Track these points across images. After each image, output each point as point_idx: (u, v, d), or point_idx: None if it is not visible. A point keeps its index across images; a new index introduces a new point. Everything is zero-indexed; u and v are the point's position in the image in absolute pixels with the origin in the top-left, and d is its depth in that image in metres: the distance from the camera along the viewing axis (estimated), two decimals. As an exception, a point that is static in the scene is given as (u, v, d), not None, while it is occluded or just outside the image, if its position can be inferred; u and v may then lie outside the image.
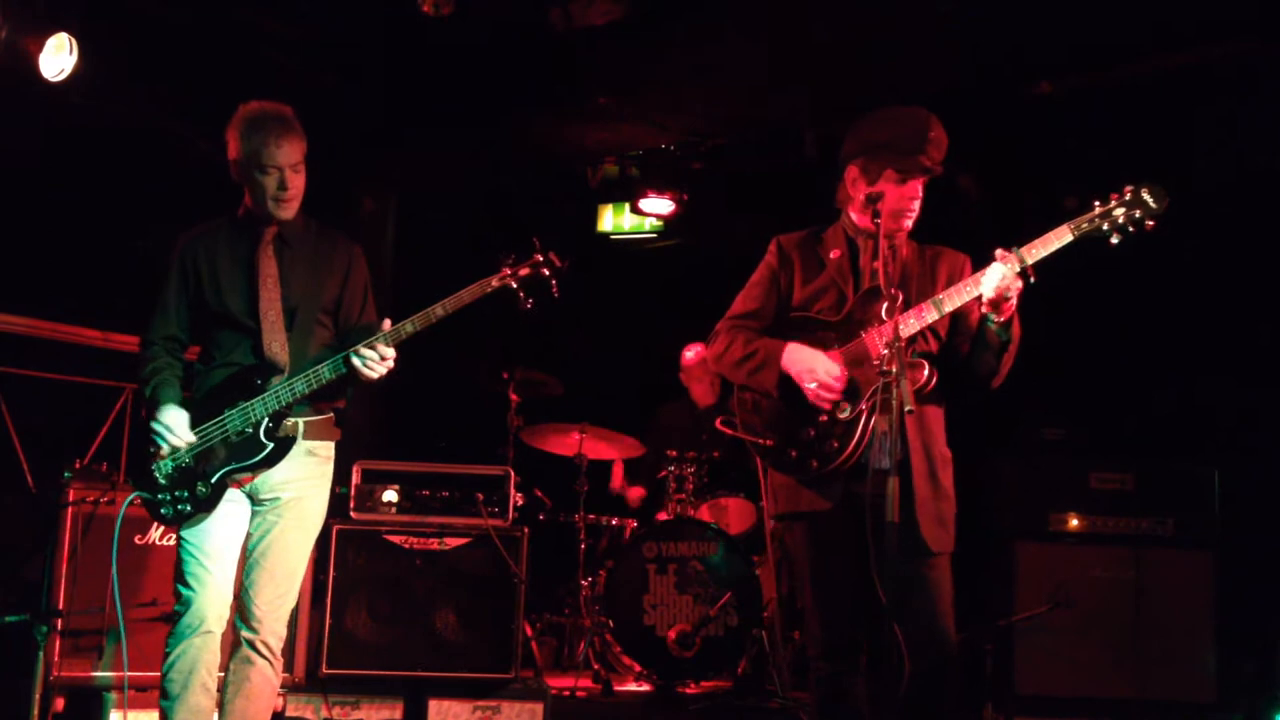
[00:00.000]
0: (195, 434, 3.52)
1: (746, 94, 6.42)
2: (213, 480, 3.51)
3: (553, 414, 6.40)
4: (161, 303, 3.67)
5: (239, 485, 3.57)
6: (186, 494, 3.51)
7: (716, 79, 6.21)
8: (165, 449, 3.49)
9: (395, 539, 4.94)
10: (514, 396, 6.21)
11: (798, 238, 3.64)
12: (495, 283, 3.58)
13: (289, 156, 3.55)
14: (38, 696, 4.35)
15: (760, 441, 3.55)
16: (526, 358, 6.36)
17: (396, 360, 3.54)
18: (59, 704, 4.41)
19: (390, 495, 5.02)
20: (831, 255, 3.55)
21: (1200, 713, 4.92)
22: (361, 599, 4.85)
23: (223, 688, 3.62)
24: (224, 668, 3.63)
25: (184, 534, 3.55)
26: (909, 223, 3.46)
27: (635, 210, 7.41)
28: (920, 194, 3.42)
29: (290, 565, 3.66)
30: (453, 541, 4.98)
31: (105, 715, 4.42)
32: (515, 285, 3.59)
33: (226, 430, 3.52)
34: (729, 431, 3.66)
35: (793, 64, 5.97)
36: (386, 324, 3.51)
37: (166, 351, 3.65)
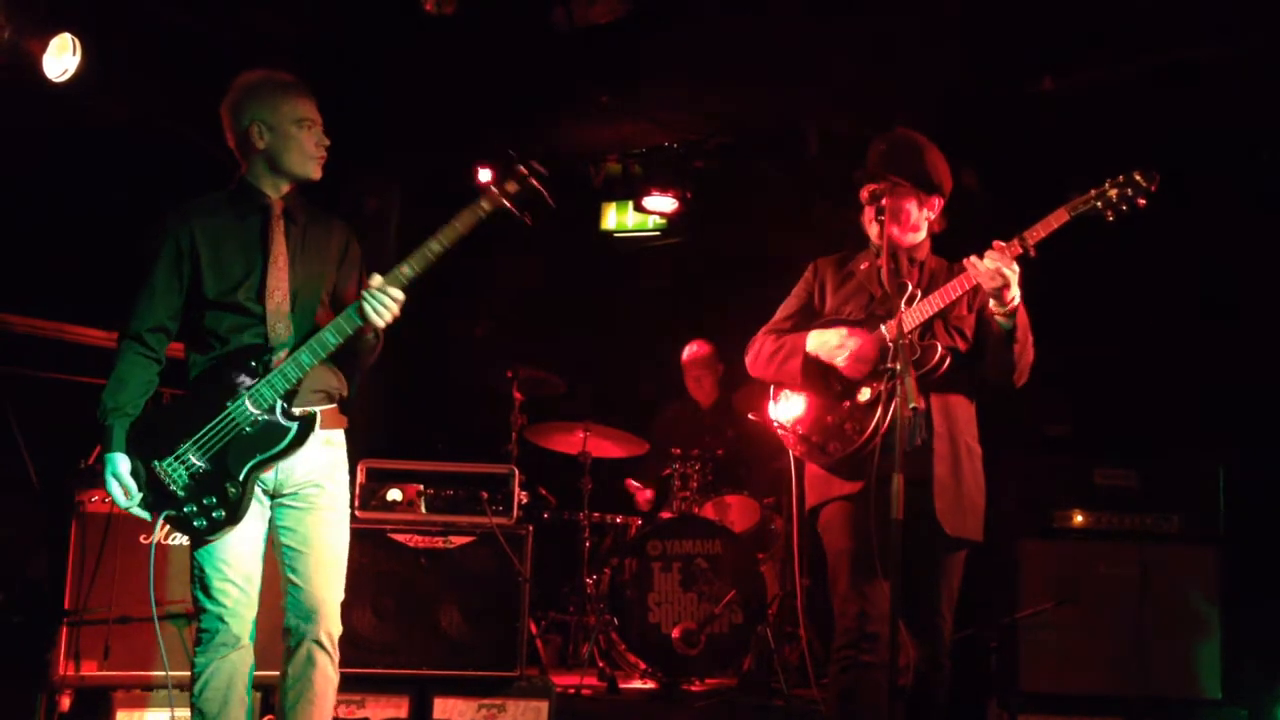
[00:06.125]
0: (200, 435, 3.29)
1: (749, 93, 6.42)
2: (241, 478, 3.29)
3: (557, 412, 6.41)
4: (148, 290, 3.38)
5: (266, 471, 3.37)
6: (215, 499, 3.28)
7: (719, 78, 6.21)
8: (176, 481, 3.30)
9: (400, 537, 4.95)
10: (518, 395, 6.21)
11: (831, 259, 3.94)
12: (486, 205, 3.38)
13: (317, 113, 3.50)
14: (43, 696, 4.36)
15: (790, 432, 3.78)
16: (530, 356, 6.36)
17: (401, 310, 3.34)
18: (64, 704, 4.42)
19: (395, 494, 5.03)
20: (861, 267, 3.83)
21: (1205, 709, 4.91)
22: (366, 597, 4.86)
23: (282, 693, 3.45)
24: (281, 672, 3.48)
25: (199, 548, 3.37)
26: (874, 237, 3.71)
27: (638, 208, 7.41)
28: (874, 210, 3.65)
29: (337, 552, 3.53)
30: (457, 540, 4.99)
31: (111, 715, 4.42)
32: (508, 203, 3.38)
33: (238, 422, 3.30)
34: (759, 420, 3.80)
35: (795, 62, 5.96)
36: (376, 278, 3.31)
37: (147, 350, 3.40)
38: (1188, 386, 5.89)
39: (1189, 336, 5.92)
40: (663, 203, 7.25)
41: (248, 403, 3.31)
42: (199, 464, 3.31)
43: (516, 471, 5.20)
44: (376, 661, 4.84)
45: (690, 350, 7.02)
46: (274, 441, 3.32)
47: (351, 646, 4.79)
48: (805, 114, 6.54)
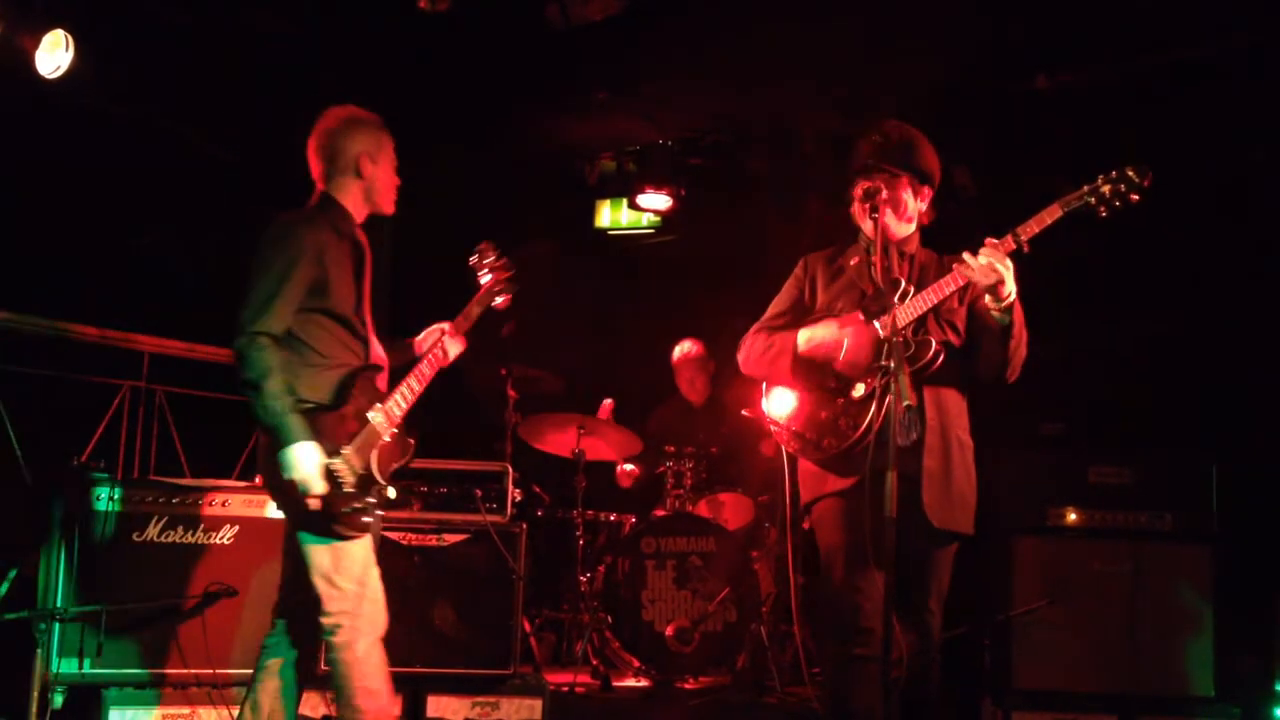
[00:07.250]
0: (354, 441, 3.50)
1: (744, 90, 6.41)
2: (385, 480, 3.59)
3: (551, 410, 6.40)
4: (287, 291, 3.45)
5: None
6: (375, 500, 3.54)
7: (714, 75, 6.21)
8: (349, 479, 3.47)
9: (393, 535, 4.94)
10: (512, 393, 6.20)
11: (821, 254, 3.94)
12: (496, 298, 4.08)
13: None
14: (36, 694, 4.35)
15: (783, 428, 3.78)
16: (524, 354, 6.35)
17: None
18: (58, 701, 4.41)
19: (388, 492, 5.02)
20: (851, 263, 3.82)
21: (1197, 706, 4.93)
22: (360, 595, 4.85)
23: (260, 679, 3.63)
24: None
25: (349, 540, 3.51)
26: (868, 232, 3.71)
27: (633, 206, 7.40)
28: (869, 204, 3.66)
29: None
30: (451, 538, 4.99)
31: (104, 713, 4.42)
32: (500, 297, 4.09)
33: (379, 434, 3.59)
34: (752, 415, 3.81)
35: (791, 60, 5.96)
36: (448, 325, 3.85)
37: (278, 350, 3.46)
38: (1182, 385, 5.90)
39: (1184, 336, 5.93)
40: (657, 200, 7.24)
41: (385, 417, 3.60)
42: (359, 467, 3.51)
43: (510, 469, 5.20)
44: (371, 659, 4.82)
45: (681, 350, 7.00)
46: (406, 452, 3.68)
47: (346, 644, 4.79)
48: (801, 112, 6.54)
